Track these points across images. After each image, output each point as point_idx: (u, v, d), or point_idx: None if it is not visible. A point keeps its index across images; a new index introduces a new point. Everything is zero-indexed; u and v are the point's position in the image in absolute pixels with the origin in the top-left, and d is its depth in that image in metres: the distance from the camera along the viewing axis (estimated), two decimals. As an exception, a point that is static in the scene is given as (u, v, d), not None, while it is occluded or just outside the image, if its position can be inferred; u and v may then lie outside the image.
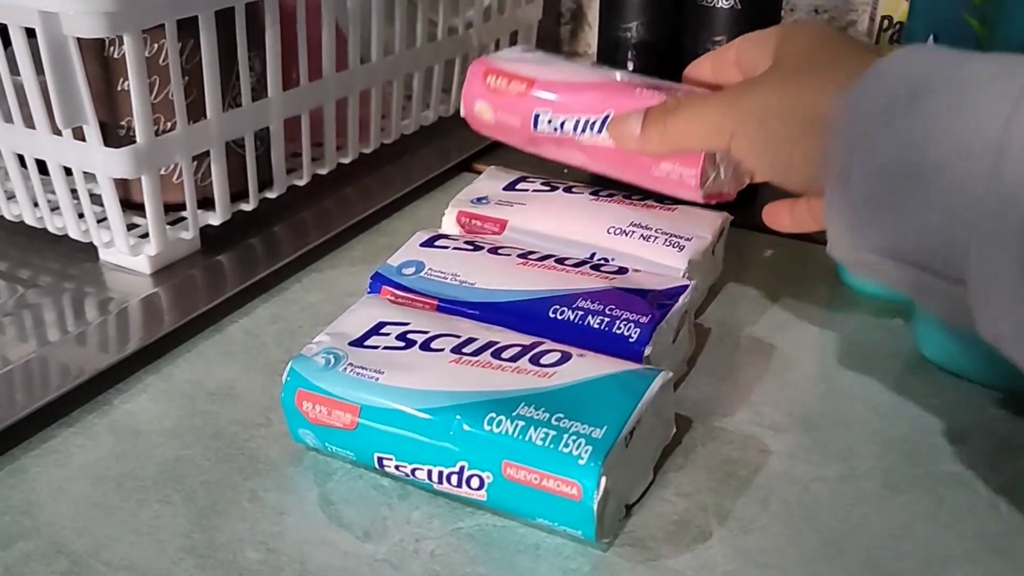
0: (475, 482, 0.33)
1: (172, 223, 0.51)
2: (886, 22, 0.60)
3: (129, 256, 0.49)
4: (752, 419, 0.40)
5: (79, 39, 0.42)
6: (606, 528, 0.33)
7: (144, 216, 0.48)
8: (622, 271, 0.42)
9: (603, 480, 0.32)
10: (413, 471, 0.35)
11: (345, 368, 0.36)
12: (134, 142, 0.46)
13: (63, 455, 0.38)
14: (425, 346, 0.37)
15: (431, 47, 0.64)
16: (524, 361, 0.36)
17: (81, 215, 0.49)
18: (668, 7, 0.56)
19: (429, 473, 0.34)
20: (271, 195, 0.55)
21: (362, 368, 0.36)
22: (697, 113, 0.38)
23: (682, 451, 0.38)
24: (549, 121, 0.44)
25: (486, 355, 0.36)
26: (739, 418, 0.40)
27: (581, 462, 0.32)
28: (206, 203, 0.51)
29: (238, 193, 0.53)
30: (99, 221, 0.49)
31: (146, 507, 0.35)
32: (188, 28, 0.46)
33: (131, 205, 0.50)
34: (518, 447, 0.33)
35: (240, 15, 0.48)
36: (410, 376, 0.35)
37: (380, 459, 0.35)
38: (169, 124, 0.48)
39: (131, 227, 0.50)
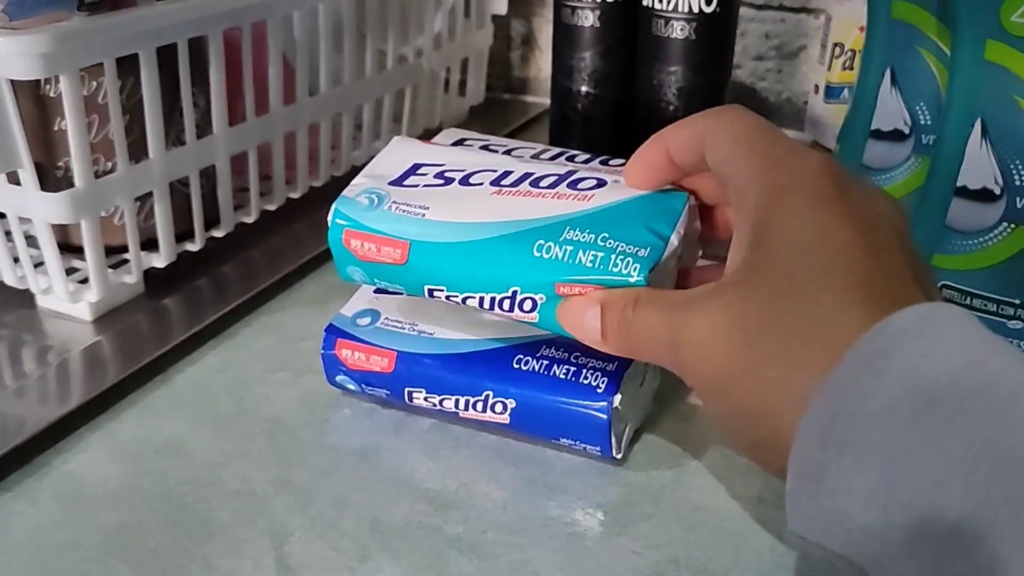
0: (528, 304, 0.35)
1: (114, 266, 0.49)
2: (838, 49, 0.61)
3: (69, 303, 0.46)
4: (720, 461, 0.39)
5: (13, 80, 0.40)
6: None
7: (84, 259, 0.46)
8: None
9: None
10: (465, 299, 0.36)
11: (390, 206, 0.36)
12: (72, 183, 0.44)
13: (1, 524, 0.35)
14: (464, 182, 0.37)
15: (381, 77, 0.62)
16: (563, 187, 0.36)
17: (16, 259, 0.47)
18: (622, 37, 0.55)
19: (481, 300, 0.35)
20: (218, 234, 0.53)
21: (407, 205, 0.36)
22: (653, 326, 0.31)
23: (651, 499, 0.37)
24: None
25: (525, 185, 0.36)
26: (707, 461, 0.39)
27: (632, 279, 0.33)
28: (150, 244, 0.49)
29: (184, 233, 0.51)
30: (36, 266, 0.47)
31: (91, 579, 0.33)
32: (128, 65, 0.44)
33: (70, 248, 0.48)
34: (569, 269, 0.34)
35: (183, 51, 0.46)
36: (455, 210, 0.36)
37: (431, 291, 0.36)
38: (109, 165, 0.46)
39: (70, 271, 0.48)
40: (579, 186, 0.36)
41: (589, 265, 0.34)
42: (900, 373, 0.24)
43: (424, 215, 0.36)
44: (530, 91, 0.85)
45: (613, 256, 0.33)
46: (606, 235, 0.34)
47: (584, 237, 0.34)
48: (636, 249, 0.34)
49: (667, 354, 0.30)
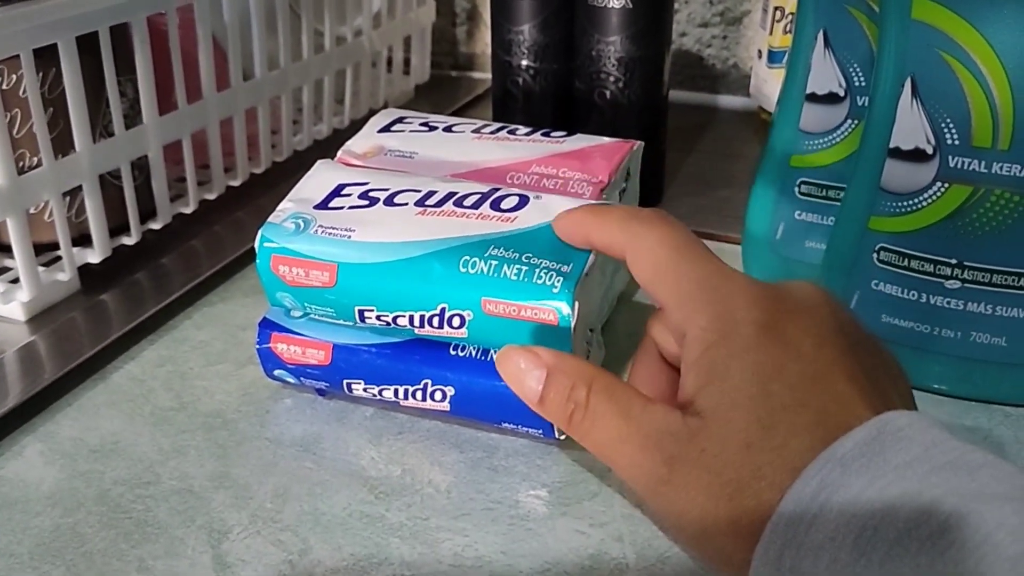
0: (456, 321, 0.35)
1: (48, 264, 0.48)
2: (778, 13, 0.60)
3: (0, 304, 0.45)
4: (665, 435, 0.39)
5: (-79, 77, 0.39)
6: (575, 348, 0.35)
7: (14, 258, 0.45)
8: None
9: (576, 304, 0.34)
10: (395, 319, 0.36)
11: (316, 229, 0.37)
12: (-4, 181, 0.42)
13: (-70, 534, 0.35)
14: (389, 202, 0.37)
15: (319, 58, 0.61)
16: (486, 207, 0.37)
17: (-55, 261, 0.46)
18: (559, 9, 0.54)
19: (411, 319, 0.36)
20: (155, 226, 0.52)
21: (333, 228, 0.36)
22: (617, 440, 0.29)
23: (595, 477, 0.37)
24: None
25: (449, 205, 0.37)
26: (652, 435, 0.39)
27: (555, 291, 0.34)
28: (84, 240, 0.48)
29: (119, 226, 0.50)
30: (-35, 267, 0.46)
31: (24, 586, 0.32)
32: (48, 56, 0.43)
33: None
34: (494, 284, 0.34)
35: (104, 39, 0.45)
36: (381, 230, 0.36)
37: (361, 312, 0.36)
38: (35, 160, 0.45)
39: (0, 271, 0.47)
40: (501, 206, 0.37)
41: (514, 278, 0.34)
42: (842, 506, 0.25)
43: (350, 237, 0.36)
44: (477, 67, 0.84)
45: (537, 270, 0.34)
46: (530, 254, 0.35)
47: (509, 254, 0.35)
48: (559, 265, 0.34)
49: (635, 483, 0.29)
